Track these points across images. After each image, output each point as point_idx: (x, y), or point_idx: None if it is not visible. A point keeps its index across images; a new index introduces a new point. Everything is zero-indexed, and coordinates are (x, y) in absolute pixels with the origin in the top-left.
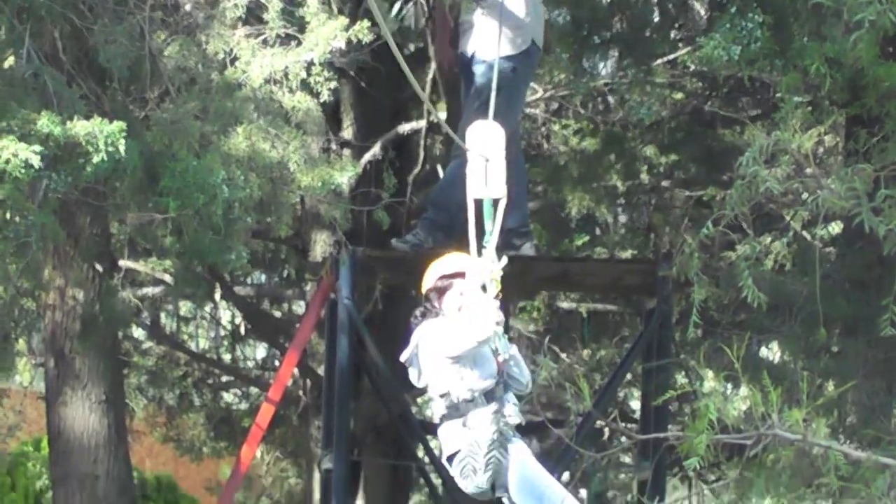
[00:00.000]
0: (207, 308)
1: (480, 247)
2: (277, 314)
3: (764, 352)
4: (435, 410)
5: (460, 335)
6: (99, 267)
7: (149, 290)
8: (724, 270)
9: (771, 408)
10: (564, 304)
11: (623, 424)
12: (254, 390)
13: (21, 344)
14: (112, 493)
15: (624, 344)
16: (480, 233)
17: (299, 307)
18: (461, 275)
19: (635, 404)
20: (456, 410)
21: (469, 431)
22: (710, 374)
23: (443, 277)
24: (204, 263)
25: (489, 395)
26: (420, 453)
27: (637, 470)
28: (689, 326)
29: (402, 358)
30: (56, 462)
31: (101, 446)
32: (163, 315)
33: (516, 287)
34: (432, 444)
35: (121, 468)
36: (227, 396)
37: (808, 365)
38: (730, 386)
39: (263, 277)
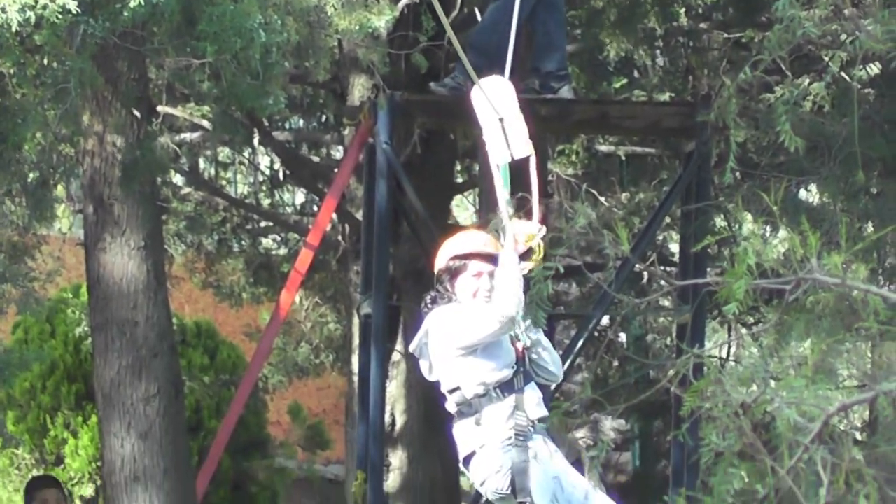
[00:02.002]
0: (246, 153)
1: (510, 215)
2: (316, 159)
3: (803, 194)
4: (448, 408)
5: (475, 322)
6: (137, 112)
7: (187, 136)
8: (762, 113)
9: (810, 251)
10: (603, 148)
11: (662, 268)
12: (293, 235)
13: (60, 190)
14: (151, 339)
15: (662, 187)
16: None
17: (337, 152)
18: (477, 255)
19: (674, 247)
20: (469, 407)
21: (482, 430)
22: (748, 217)
23: (456, 257)
24: (242, 108)
25: (506, 388)
26: None
27: (676, 314)
28: (727, 169)
29: (411, 348)
30: (95, 308)
31: (140, 292)
32: (201, 160)
33: (554, 130)
34: None
35: (160, 314)
36: (266, 242)
37: (847, 207)
38: (768, 229)
39: (301, 122)
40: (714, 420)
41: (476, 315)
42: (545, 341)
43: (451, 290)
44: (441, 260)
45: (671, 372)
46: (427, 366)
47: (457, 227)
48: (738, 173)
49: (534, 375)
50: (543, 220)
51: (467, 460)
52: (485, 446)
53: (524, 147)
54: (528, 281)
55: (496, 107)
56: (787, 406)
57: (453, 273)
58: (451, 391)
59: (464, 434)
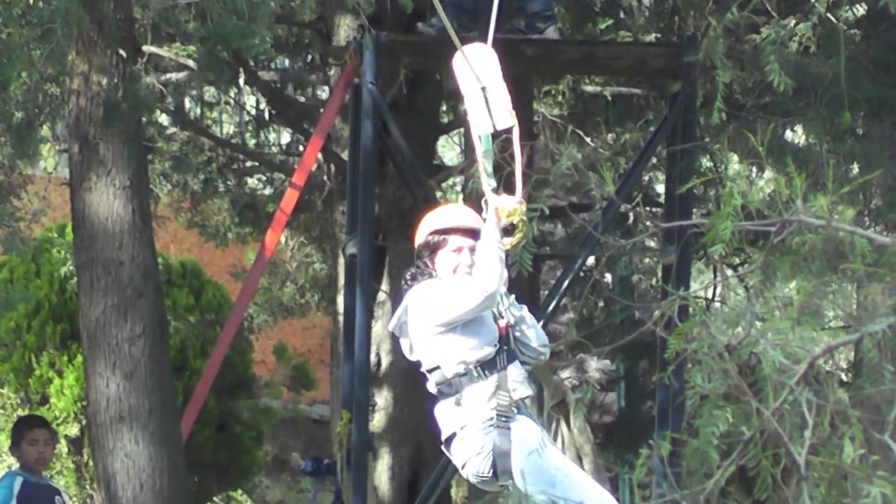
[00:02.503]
0: (231, 93)
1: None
2: (301, 99)
3: (789, 135)
4: (429, 388)
5: (455, 297)
6: (123, 52)
7: (172, 76)
8: (748, 54)
9: (795, 193)
10: (589, 88)
11: (648, 209)
12: (278, 175)
13: (45, 130)
14: (137, 279)
15: (648, 128)
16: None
17: (323, 92)
18: (457, 230)
19: (660, 188)
20: (449, 387)
21: (463, 411)
22: (734, 158)
23: (435, 232)
24: (228, 48)
25: (488, 367)
26: None
27: (662, 255)
28: (713, 110)
29: (391, 327)
30: (80, 248)
31: (125, 232)
32: (187, 100)
33: (540, 71)
34: None
35: (145, 254)
36: (252, 182)
37: (833, 148)
38: (754, 170)
39: (287, 62)
40: (699, 362)
41: (456, 291)
42: (530, 318)
43: (432, 265)
44: (420, 235)
45: (657, 313)
46: (408, 345)
47: (437, 203)
48: (723, 114)
49: (518, 354)
50: (527, 196)
51: (448, 442)
52: (465, 427)
53: (507, 118)
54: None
55: (478, 75)
56: (773, 348)
57: (433, 248)
58: (431, 370)
59: (444, 415)
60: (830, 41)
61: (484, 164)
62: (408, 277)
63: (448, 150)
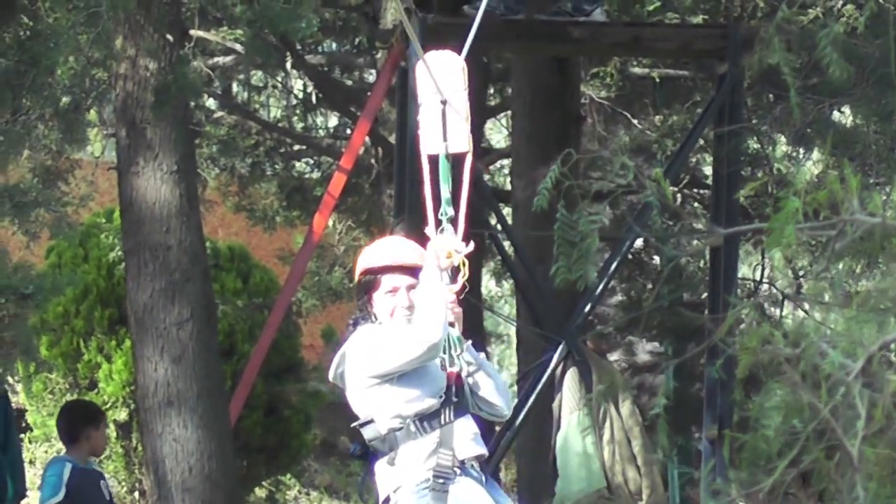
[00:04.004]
0: (279, 77)
1: (438, 219)
2: (348, 82)
3: (836, 115)
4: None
5: (391, 346)
6: (170, 36)
7: (220, 60)
8: (795, 34)
9: (852, 192)
10: (636, 70)
11: (695, 190)
12: (326, 159)
13: (92, 115)
14: (184, 263)
15: (696, 110)
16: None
17: (370, 75)
18: (390, 268)
19: (707, 170)
20: (383, 443)
21: (397, 471)
22: (782, 138)
23: (366, 272)
24: (275, 32)
25: (429, 421)
26: (492, 220)
27: (709, 237)
28: (760, 91)
29: (330, 377)
30: (128, 233)
31: (172, 216)
32: (234, 84)
33: (587, 53)
34: (504, 210)
35: (193, 238)
36: (300, 165)
37: (880, 128)
38: (801, 151)
39: (334, 45)
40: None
41: (395, 339)
42: (489, 367)
43: (370, 308)
44: (356, 275)
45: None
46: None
47: (381, 234)
48: (770, 95)
49: (471, 407)
50: (467, 236)
51: None
52: (399, 489)
53: (462, 141)
54: (462, 302)
55: (440, 86)
56: (832, 348)
57: (367, 290)
58: (363, 425)
59: (379, 476)
60: (878, 21)
61: (441, 190)
62: (350, 322)
63: (495, 133)
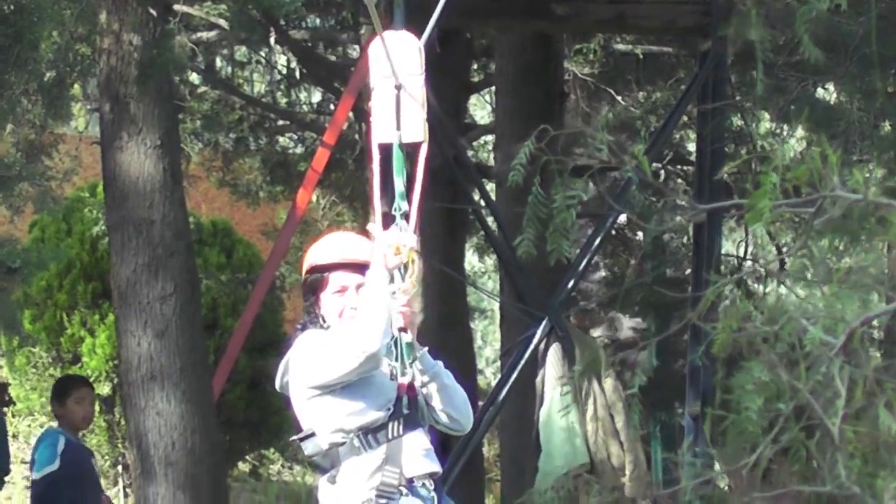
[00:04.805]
0: (262, 52)
1: (391, 215)
2: (332, 58)
3: (820, 93)
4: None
5: (328, 356)
6: (153, 11)
7: (204, 35)
8: (778, 10)
9: (832, 169)
10: (620, 47)
11: (679, 167)
12: (309, 134)
13: (76, 89)
14: (168, 238)
15: (679, 86)
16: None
17: (354, 51)
18: (339, 266)
19: (691, 147)
20: (324, 459)
21: (338, 490)
22: (766, 115)
23: (313, 269)
24: (259, 7)
25: (374, 436)
26: (475, 196)
27: (692, 213)
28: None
29: (277, 386)
30: (112, 207)
31: (156, 191)
32: (218, 59)
33: (571, 30)
34: (488, 186)
35: (177, 213)
36: (283, 141)
37: (863, 106)
38: (785, 128)
39: (318, 21)
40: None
41: (331, 349)
42: (447, 376)
43: (317, 310)
44: (302, 273)
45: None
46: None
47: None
48: (754, 72)
49: (425, 420)
50: (419, 230)
51: None
52: None
53: (417, 130)
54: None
55: (395, 69)
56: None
57: (314, 289)
58: (303, 439)
59: (321, 494)
60: None
61: (395, 181)
62: (298, 326)
63: (479, 109)
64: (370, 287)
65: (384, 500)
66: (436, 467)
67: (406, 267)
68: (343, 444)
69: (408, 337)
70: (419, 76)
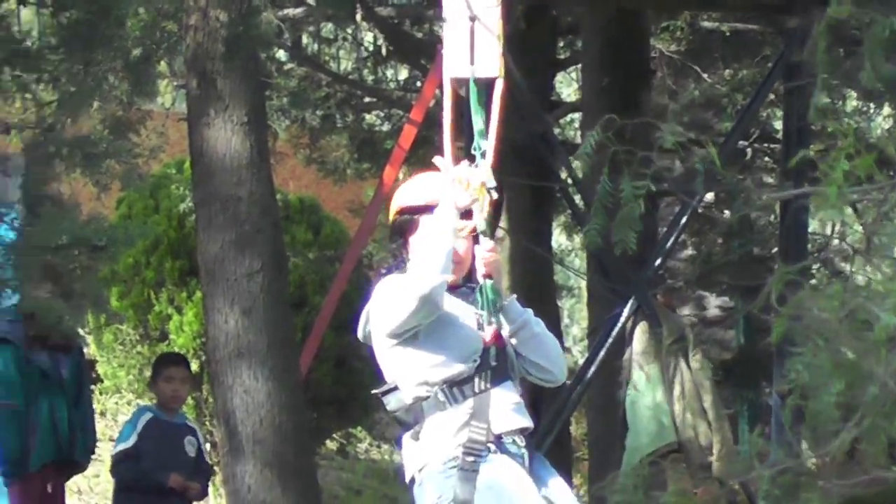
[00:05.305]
0: (349, 29)
1: (472, 151)
2: (419, 35)
3: None
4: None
5: (392, 301)
6: None
7: (290, 12)
8: None
9: None
10: (706, 24)
11: (765, 145)
12: (396, 112)
13: (162, 66)
14: (255, 215)
15: (766, 64)
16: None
17: (440, 27)
18: (432, 207)
19: (777, 124)
20: (407, 414)
21: (423, 447)
22: (852, 93)
23: (403, 211)
24: None
25: (460, 389)
26: (562, 174)
27: (779, 191)
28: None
29: (359, 336)
30: (199, 184)
31: (243, 168)
32: (304, 36)
33: (657, 6)
34: (574, 164)
35: (263, 190)
36: (370, 118)
37: None
38: (872, 105)
39: None
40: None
41: (394, 294)
42: (537, 325)
43: (405, 254)
44: (391, 213)
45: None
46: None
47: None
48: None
49: (514, 373)
50: (496, 166)
51: (410, 487)
52: (424, 469)
53: (492, 65)
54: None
55: (471, 2)
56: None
57: (402, 231)
58: (385, 393)
59: (405, 452)
60: None
61: (475, 119)
62: (383, 271)
63: (565, 87)
64: (434, 227)
65: (471, 458)
66: (527, 422)
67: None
68: (427, 398)
69: (493, 284)
70: (495, 7)
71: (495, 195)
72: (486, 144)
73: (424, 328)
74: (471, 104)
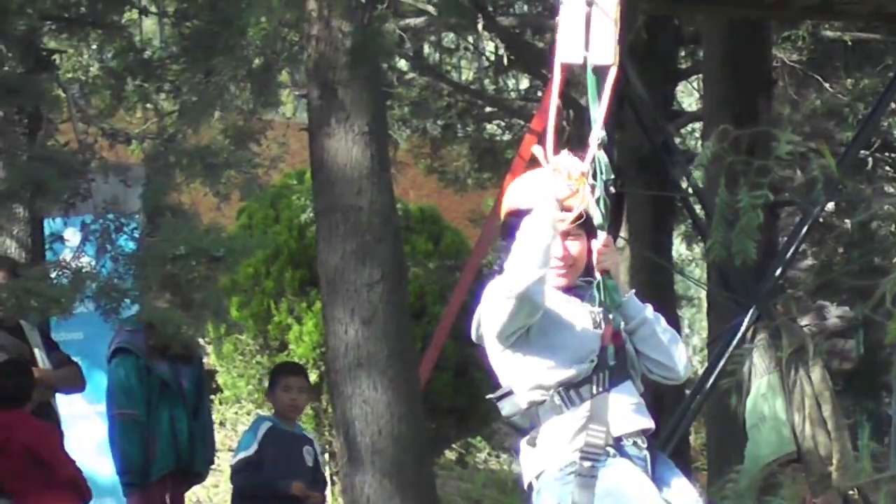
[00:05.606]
0: (470, 39)
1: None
2: (540, 44)
3: None
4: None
5: (490, 303)
6: None
7: (412, 21)
8: None
9: None
10: (828, 33)
11: (887, 154)
12: (517, 121)
13: (284, 76)
14: (375, 224)
15: (888, 73)
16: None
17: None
18: None
19: None
20: (523, 420)
21: (539, 452)
22: None
23: (513, 213)
24: None
25: (577, 392)
26: (683, 184)
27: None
28: None
29: (473, 336)
30: (319, 193)
31: (364, 177)
32: (426, 46)
33: (779, 16)
34: (695, 174)
35: (384, 199)
36: (491, 128)
37: None
38: None
39: (526, 7)
40: None
41: (492, 294)
42: (657, 321)
43: None
44: (502, 214)
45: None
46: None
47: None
48: None
49: (635, 373)
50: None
51: (529, 494)
52: (542, 475)
53: (607, 52)
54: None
55: None
56: None
57: (513, 232)
58: (500, 398)
59: (522, 458)
60: None
61: (596, 110)
62: (496, 267)
63: (686, 97)
64: (530, 222)
65: (589, 463)
66: (648, 423)
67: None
68: (543, 402)
69: (610, 279)
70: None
71: (612, 188)
72: (596, 133)
73: (535, 329)
74: (588, 93)
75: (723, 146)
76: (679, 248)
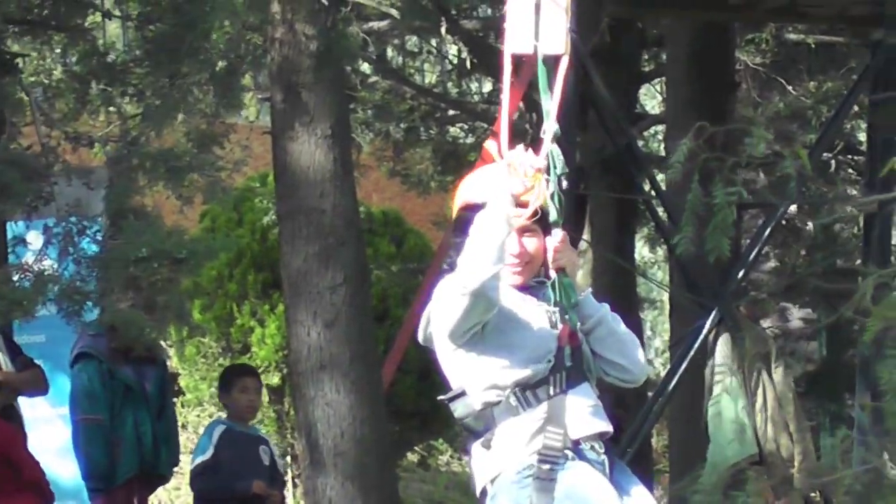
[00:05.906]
0: (433, 42)
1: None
2: (503, 48)
3: None
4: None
5: (444, 301)
6: (325, 1)
7: (375, 25)
8: None
9: None
10: (792, 36)
11: (850, 157)
12: (480, 124)
13: (246, 79)
14: (339, 227)
15: (851, 76)
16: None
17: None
18: None
19: (862, 136)
20: (476, 421)
21: (494, 455)
22: None
23: (466, 208)
24: None
25: (533, 392)
26: (646, 186)
27: (864, 203)
28: None
29: (420, 338)
30: (282, 197)
31: (327, 180)
32: (389, 49)
33: (743, 18)
34: (658, 176)
35: (347, 202)
36: (454, 130)
37: None
38: None
39: (489, 10)
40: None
41: (446, 292)
42: (614, 321)
43: None
44: (454, 209)
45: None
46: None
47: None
48: None
49: (591, 374)
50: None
51: (482, 499)
52: (499, 478)
53: (559, 41)
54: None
55: None
56: None
57: (465, 228)
58: (452, 399)
59: (475, 462)
60: None
61: (546, 102)
62: (445, 266)
63: (649, 99)
64: (484, 217)
65: (547, 466)
66: (606, 426)
67: (534, 191)
68: (498, 402)
69: (566, 277)
70: None
71: (566, 183)
72: (549, 126)
73: (491, 327)
74: (539, 85)
75: (698, 143)
76: (642, 251)
